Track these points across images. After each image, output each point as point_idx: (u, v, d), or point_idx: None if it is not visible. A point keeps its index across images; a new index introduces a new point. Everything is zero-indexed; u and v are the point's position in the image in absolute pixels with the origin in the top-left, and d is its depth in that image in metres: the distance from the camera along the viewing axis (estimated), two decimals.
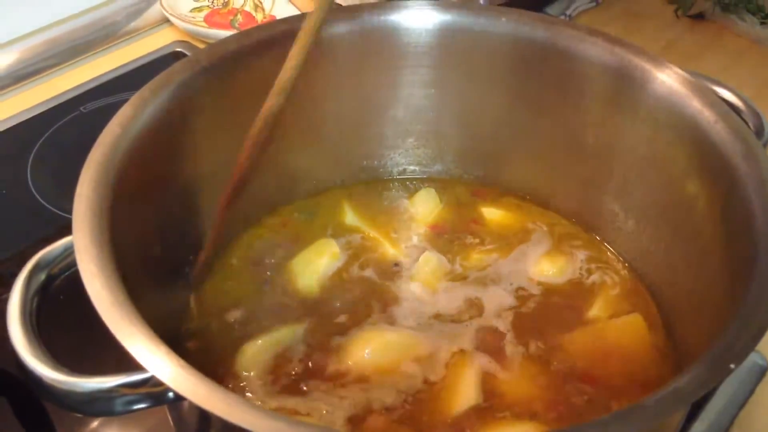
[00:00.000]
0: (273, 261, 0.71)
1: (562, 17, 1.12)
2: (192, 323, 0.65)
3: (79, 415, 0.62)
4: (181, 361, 0.41)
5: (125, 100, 0.58)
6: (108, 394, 0.41)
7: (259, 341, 0.62)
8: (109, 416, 0.60)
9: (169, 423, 0.58)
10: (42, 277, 0.47)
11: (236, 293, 0.68)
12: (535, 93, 0.72)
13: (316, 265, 0.69)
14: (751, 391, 0.65)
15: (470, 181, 0.79)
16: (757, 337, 0.44)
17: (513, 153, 0.77)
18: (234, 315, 0.66)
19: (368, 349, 0.62)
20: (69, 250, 0.48)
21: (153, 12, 1.10)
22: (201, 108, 0.64)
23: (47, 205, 0.82)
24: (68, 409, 0.42)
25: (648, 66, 0.64)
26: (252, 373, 0.60)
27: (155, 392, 0.41)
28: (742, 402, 0.64)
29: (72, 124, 0.93)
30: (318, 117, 0.73)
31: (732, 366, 0.42)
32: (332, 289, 0.68)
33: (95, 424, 0.62)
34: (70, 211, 0.48)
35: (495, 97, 0.74)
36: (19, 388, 0.65)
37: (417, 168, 0.80)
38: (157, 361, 0.41)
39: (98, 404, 0.42)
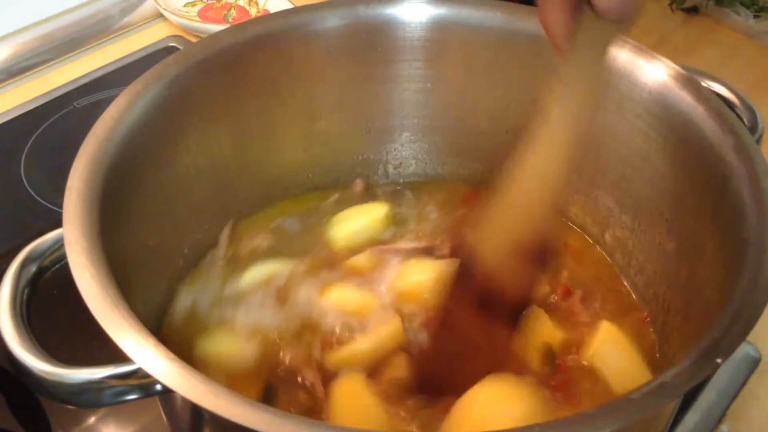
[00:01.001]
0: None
1: None
2: (220, 250, 0.69)
3: (74, 411, 0.62)
4: (169, 353, 0.41)
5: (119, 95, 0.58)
6: (97, 385, 0.42)
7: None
8: (98, 407, 0.60)
9: (164, 420, 0.58)
10: (33, 269, 0.47)
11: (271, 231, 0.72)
12: (530, 86, 0.72)
13: (351, 221, 0.72)
14: (744, 383, 0.65)
15: (466, 175, 0.79)
16: (744, 333, 0.44)
17: (508, 147, 0.76)
18: (262, 244, 0.70)
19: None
20: (59, 243, 0.48)
21: (146, 7, 1.10)
22: (194, 101, 0.64)
23: (41, 200, 0.82)
24: (58, 400, 0.42)
25: (642, 61, 0.64)
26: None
27: (143, 384, 0.42)
28: (734, 393, 0.64)
29: (65, 119, 0.93)
30: (312, 112, 0.73)
31: (719, 361, 0.42)
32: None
33: (91, 420, 0.62)
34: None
35: (490, 90, 0.74)
36: (14, 384, 0.64)
37: (413, 162, 0.80)
38: (144, 353, 0.41)
39: (87, 395, 0.42)
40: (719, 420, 0.63)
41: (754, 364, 0.67)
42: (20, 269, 0.46)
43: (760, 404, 0.65)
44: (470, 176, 0.79)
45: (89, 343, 0.49)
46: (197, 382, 0.39)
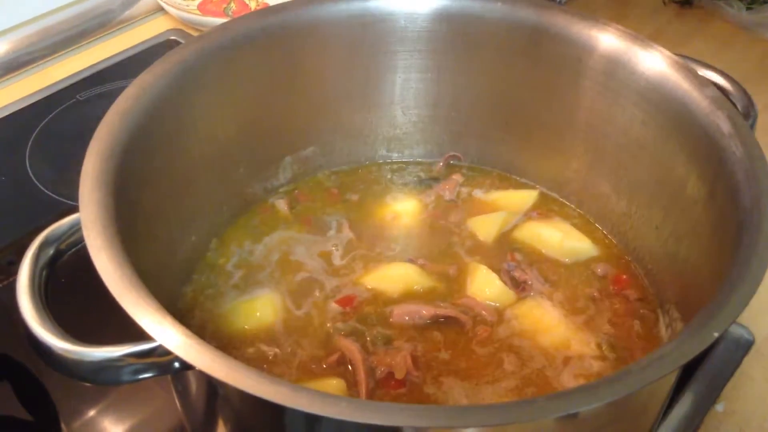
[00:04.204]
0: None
1: (555, 2, 1.13)
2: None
3: (80, 399, 0.63)
4: (187, 331, 0.42)
5: (121, 88, 0.59)
6: (116, 363, 0.42)
7: None
8: (115, 385, 0.60)
9: (172, 405, 0.59)
10: (50, 252, 0.48)
11: None
12: (529, 76, 0.73)
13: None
14: (738, 364, 0.66)
15: (467, 163, 0.81)
16: (740, 307, 0.45)
17: (508, 135, 0.78)
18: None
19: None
20: (75, 227, 0.49)
21: (147, 0, 1.11)
22: (200, 91, 0.65)
23: (46, 191, 0.82)
24: (77, 378, 0.43)
25: (639, 50, 0.65)
26: None
27: (161, 362, 0.43)
28: (729, 374, 0.65)
29: (68, 111, 0.93)
30: (316, 102, 0.74)
31: (715, 334, 0.43)
32: None
33: (95, 410, 0.63)
34: (68, 197, 0.50)
35: (490, 80, 0.75)
36: (22, 372, 0.65)
37: (415, 148, 0.81)
38: (164, 330, 0.42)
39: (106, 373, 0.43)
40: (715, 400, 0.64)
41: (747, 346, 0.68)
42: (38, 252, 0.47)
43: (754, 385, 0.66)
44: (469, 164, 0.81)
45: (101, 327, 0.51)
46: (215, 357, 0.40)
